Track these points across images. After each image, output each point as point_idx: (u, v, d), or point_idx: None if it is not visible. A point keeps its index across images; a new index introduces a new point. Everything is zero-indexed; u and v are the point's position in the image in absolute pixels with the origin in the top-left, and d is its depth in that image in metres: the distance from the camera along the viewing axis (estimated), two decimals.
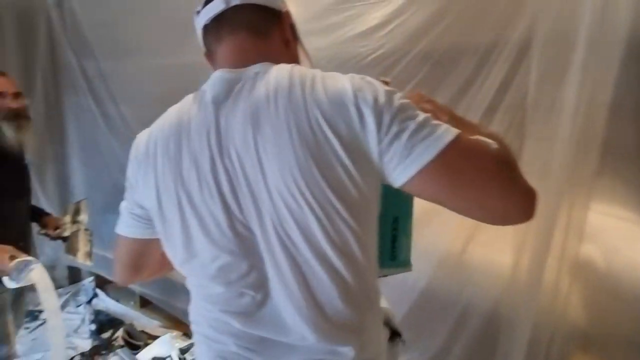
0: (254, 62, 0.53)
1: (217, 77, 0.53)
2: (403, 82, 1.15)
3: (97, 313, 2.15)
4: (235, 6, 0.55)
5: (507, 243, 1.13)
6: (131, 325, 1.94)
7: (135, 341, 1.81)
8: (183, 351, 1.64)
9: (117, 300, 2.32)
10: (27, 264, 1.26)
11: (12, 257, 1.23)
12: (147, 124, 2.09)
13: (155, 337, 1.85)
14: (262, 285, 0.52)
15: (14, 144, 1.33)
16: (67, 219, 1.64)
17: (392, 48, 1.19)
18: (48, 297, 1.39)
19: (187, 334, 1.91)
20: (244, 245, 0.51)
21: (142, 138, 0.59)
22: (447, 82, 1.14)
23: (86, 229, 1.66)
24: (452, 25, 1.11)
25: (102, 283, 2.45)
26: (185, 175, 0.52)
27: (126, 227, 0.62)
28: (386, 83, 0.88)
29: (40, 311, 2.12)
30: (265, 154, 0.48)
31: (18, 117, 1.33)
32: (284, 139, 0.47)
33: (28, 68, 2.16)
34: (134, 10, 1.90)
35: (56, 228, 1.58)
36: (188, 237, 0.53)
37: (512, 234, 1.12)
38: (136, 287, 2.19)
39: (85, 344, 1.93)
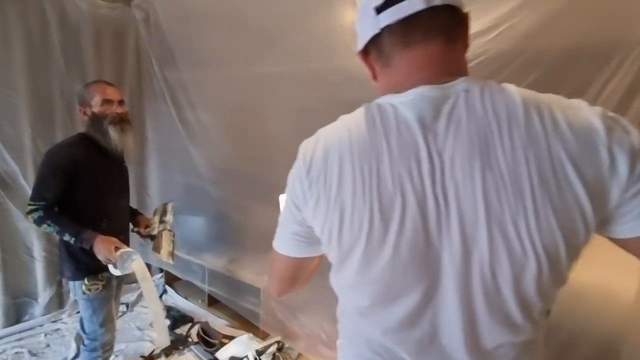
0: (448, 75, 0.48)
1: (419, 94, 0.48)
2: None
3: (169, 309, 2.25)
4: (434, 7, 0.47)
5: (629, 263, 1.02)
6: (206, 323, 2.01)
7: (211, 339, 1.86)
8: (259, 353, 1.66)
9: (186, 298, 2.42)
10: (129, 254, 1.37)
11: (117, 248, 1.34)
12: (224, 129, 2.17)
13: (229, 337, 1.90)
14: (436, 320, 0.49)
15: (118, 145, 1.45)
16: (156, 219, 1.75)
17: (496, 54, 1.14)
18: (147, 285, 1.50)
19: (257, 334, 1.94)
20: (433, 278, 0.47)
21: (315, 153, 0.52)
22: (560, 88, 1.07)
23: (169, 230, 1.76)
24: (568, 28, 1.05)
25: (170, 280, 2.58)
26: (386, 200, 0.46)
27: (287, 247, 0.60)
28: None
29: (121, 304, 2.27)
30: (496, 193, 0.43)
31: (122, 121, 1.45)
32: (521, 180, 0.42)
33: (119, 76, 2.36)
34: (214, 24, 2.01)
35: (146, 227, 1.69)
36: (370, 263, 0.48)
37: None
38: (205, 286, 2.28)
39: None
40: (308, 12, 1.66)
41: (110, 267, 1.35)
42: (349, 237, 0.49)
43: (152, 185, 2.59)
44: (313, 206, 0.52)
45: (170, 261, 1.75)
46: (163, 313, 1.96)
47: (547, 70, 1.09)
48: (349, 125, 0.51)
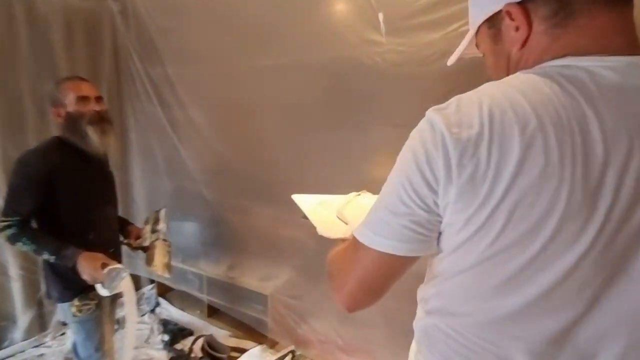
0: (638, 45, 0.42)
1: (629, 61, 0.40)
2: None
3: (165, 323, 2.10)
4: None
5: None
6: (211, 336, 1.88)
7: (218, 353, 1.74)
8: None
9: (182, 309, 2.27)
10: (118, 272, 1.23)
11: (104, 265, 1.20)
12: (217, 127, 2.03)
13: (238, 349, 1.78)
14: (601, 339, 0.41)
15: (100, 148, 1.31)
16: (147, 228, 1.60)
17: None
18: (132, 309, 1.35)
19: (265, 343, 1.84)
20: (609, 285, 0.40)
21: (468, 120, 0.41)
22: None
23: (164, 240, 1.62)
24: None
25: (163, 291, 2.42)
26: (594, 181, 0.38)
27: (394, 242, 0.46)
28: None
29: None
30: None
31: (102, 120, 1.30)
32: None
33: (95, 75, 2.16)
34: (203, 15, 1.88)
35: (137, 238, 1.55)
36: (545, 263, 0.40)
37: None
38: (203, 295, 2.15)
39: (160, 355, 1.88)
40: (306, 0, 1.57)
41: (98, 286, 1.21)
42: (522, 230, 0.39)
43: (138, 191, 2.41)
44: (462, 186, 0.41)
45: (167, 274, 1.59)
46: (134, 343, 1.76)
47: None
48: (523, 90, 0.41)
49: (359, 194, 0.94)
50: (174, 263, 2.19)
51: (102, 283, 1.19)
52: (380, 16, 1.33)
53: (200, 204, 2.14)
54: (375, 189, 0.98)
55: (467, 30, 1.25)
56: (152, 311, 2.29)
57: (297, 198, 0.88)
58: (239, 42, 1.80)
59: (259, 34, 1.73)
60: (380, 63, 1.37)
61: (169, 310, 2.29)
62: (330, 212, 0.84)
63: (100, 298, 1.31)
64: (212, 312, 2.17)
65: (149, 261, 1.57)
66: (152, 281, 2.50)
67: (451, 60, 0.65)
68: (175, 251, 2.22)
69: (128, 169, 2.39)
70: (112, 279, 1.20)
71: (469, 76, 1.21)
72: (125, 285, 1.25)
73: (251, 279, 1.96)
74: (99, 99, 1.32)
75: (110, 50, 2.25)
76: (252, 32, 1.75)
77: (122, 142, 2.31)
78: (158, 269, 1.57)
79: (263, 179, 1.91)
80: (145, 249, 1.56)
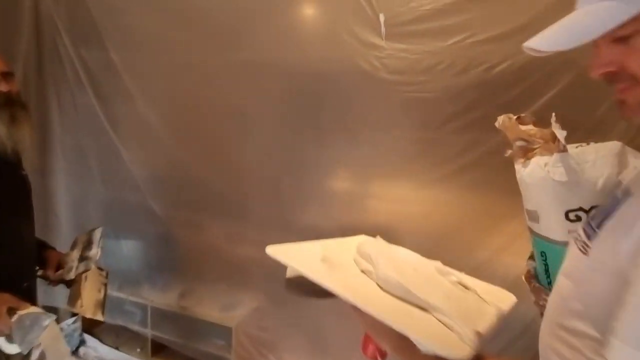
0: None
1: None
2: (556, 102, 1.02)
3: None
4: None
5: None
6: None
7: None
8: None
9: (117, 348, 1.88)
10: (36, 319, 0.92)
11: (12, 310, 0.90)
12: (172, 127, 1.72)
13: None
14: None
15: (7, 141, 1.02)
16: (74, 254, 1.25)
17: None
18: None
19: None
20: None
21: None
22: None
23: (100, 269, 1.28)
24: None
25: (90, 325, 1.97)
26: None
27: None
28: (519, 119, 0.66)
29: None
30: None
31: (11, 104, 1.04)
32: None
33: (6, 49, 1.68)
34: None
35: (59, 267, 1.21)
36: None
37: None
38: (146, 330, 1.79)
39: None
40: None
41: (1, 341, 0.90)
42: None
43: (60, 201, 1.97)
44: None
45: (99, 317, 1.26)
46: None
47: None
48: None
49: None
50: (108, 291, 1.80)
51: (9, 337, 0.88)
52: (381, 17, 1.22)
53: (144, 218, 1.81)
54: (370, 207, 0.84)
55: (483, 39, 1.13)
56: (75, 352, 1.86)
57: (278, 253, 0.54)
58: (207, 31, 1.55)
59: (232, 24, 1.51)
60: (379, 68, 1.26)
61: (99, 350, 1.88)
62: (364, 282, 0.53)
63: (7, 356, 0.96)
64: (158, 350, 1.82)
65: (74, 299, 1.22)
66: (74, 313, 2.04)
67: (537, 43, 0.41)
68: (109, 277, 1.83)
69: (47, 172, 1.94)
70: (26, 330, 0.88)
71: (480, 91, 1.16)
72: (48, 337, 0.91)
73: (209, 309, 1.68)
74: (7, 75, 1.04)
75: (30, 22, 1.81)
76: (224, 20, 1.52)
77: (42, 137, 1.87)
78: (87, 310, 1.23)
79: (225, 189, 1.67)
80: (69, 284, 1.21)
